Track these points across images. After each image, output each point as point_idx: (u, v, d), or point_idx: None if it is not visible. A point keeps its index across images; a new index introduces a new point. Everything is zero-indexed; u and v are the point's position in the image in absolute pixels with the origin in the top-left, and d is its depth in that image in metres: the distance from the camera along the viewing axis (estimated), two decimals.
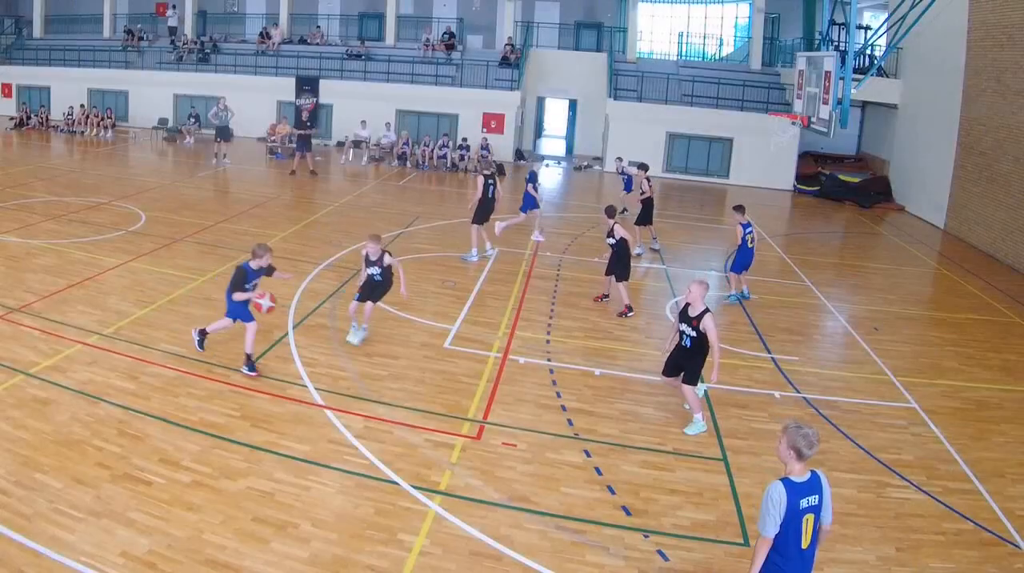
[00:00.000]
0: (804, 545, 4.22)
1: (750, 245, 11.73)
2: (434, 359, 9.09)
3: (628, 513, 6.32)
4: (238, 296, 8.15)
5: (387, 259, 9.13)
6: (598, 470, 6.92)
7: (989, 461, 7.57)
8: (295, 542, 5.62)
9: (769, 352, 10.08)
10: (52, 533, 5.41)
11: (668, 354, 7.95)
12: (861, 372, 9.68)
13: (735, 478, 6.95)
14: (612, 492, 6.59)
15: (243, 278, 8.11)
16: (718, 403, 8.45)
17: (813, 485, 4.23)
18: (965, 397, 9.18)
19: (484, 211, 13.36)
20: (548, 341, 9.90)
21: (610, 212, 11.21)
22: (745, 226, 11.68)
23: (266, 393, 7.87)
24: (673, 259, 14.62)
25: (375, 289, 9.28)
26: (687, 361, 7.63)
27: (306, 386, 8.09)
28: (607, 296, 11.49)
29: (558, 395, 8.36)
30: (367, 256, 9.13)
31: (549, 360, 9.25)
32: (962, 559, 6.00)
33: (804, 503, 4.19)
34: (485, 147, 23.61)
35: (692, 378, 7.62)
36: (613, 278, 11.09)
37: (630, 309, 10.99)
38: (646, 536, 6.03)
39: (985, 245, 17.18)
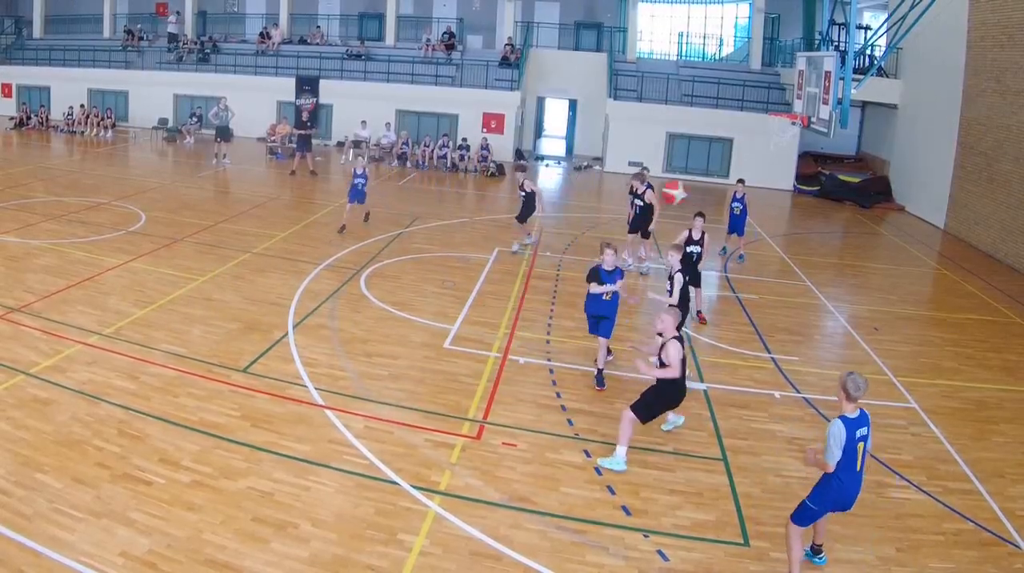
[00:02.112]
0: (858, 468, 5.31)
1: (736, 213, 14.15)
2: (434, 359, 9.08)
3: (628, 513, 6.32)
4: (592, 288, 8.48)
5: (707, 238, 10.24)
6: (598, 470, 6.92)
7: (989, 461, 7.57)
8: (295, 542, 5.62)
9: (769, 352, 10.08)
10: (52, 533, 5.41)
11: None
12: (861, 372, 9.61)
13: (735, 478, 6.95)
14: (612, 492, 6.59)
15: (596, 277, 8.46)
16: (718, 403, 8.46)
17: (863, 419, 5.32)
18: (965, 397, 9.18)
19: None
20: (548, 341, 9.90)
21: (702, 216, 10.98)
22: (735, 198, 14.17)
23: (266, 393, 7.87)
24: None
25: (694, 270, 10.03)
26: (648, 390, 7.06)
27: (306, 386, 8.09)
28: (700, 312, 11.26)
29: (558, 395, 8.36)
30: (690, 232, 10.31)
31: (549, 360, 9.25)
32: (962, 559, 6.00)
33: (858, 434, 5.25)
34: (485, 147, 23.62)
35: (640, 406, 6.94)
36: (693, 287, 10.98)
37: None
38: (646, 536, 6.04)
39: (985, 245, 17.18)
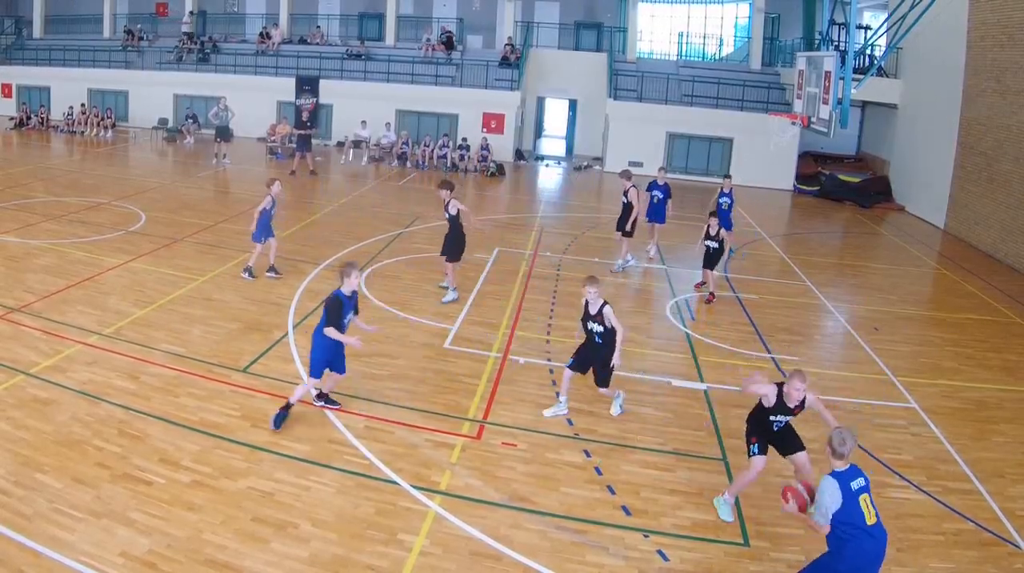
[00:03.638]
0: (868, 522, 4.67)
1: (724, 208, 13.98)
2: (434, 359, 9.09)
3: (628, 513, 6.32)
4: (333, 334, 7.01)
5: (608, 311, 7.44)
6: (598, 470, 6.92)
7: (989, 461, 7.57)
8: (295, 542, 5.62)
9: (769, 352, 10.08)
10: (52, 533, 5.41)
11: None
12: (861, 372, 9.68)
13: (735, 478, 6.94)
14: (612, 492, 6.59)
15: (340, 310, 7.06)
16: (718, 403, 8.45)
17: (856, 471, 4.80)
18: (965, 397, 9.18)
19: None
20: (548, 341, 9.90)
21: (716, 215, 11.88)
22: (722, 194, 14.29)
23: (266, 393, 7.87)
24: (674, 259, 14.63)
25: (597, 354, 7.58)
26: (788, 437, 6.42)
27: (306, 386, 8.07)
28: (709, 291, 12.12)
29: (558, 395, 8.36)
30: (586, 305, 7.52)
31: (549, 360, 9.25)
32: (962, 559, 6.00)
33: (854, 485, 4.71)
34: (485, 147, 23.61)
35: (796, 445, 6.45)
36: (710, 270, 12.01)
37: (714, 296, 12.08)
38: (646, 536, 6.04)
39: (985, 245, 17.18)
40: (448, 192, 11.05)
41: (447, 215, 11.05)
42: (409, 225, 15.68)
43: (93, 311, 9.68)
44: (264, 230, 11.44)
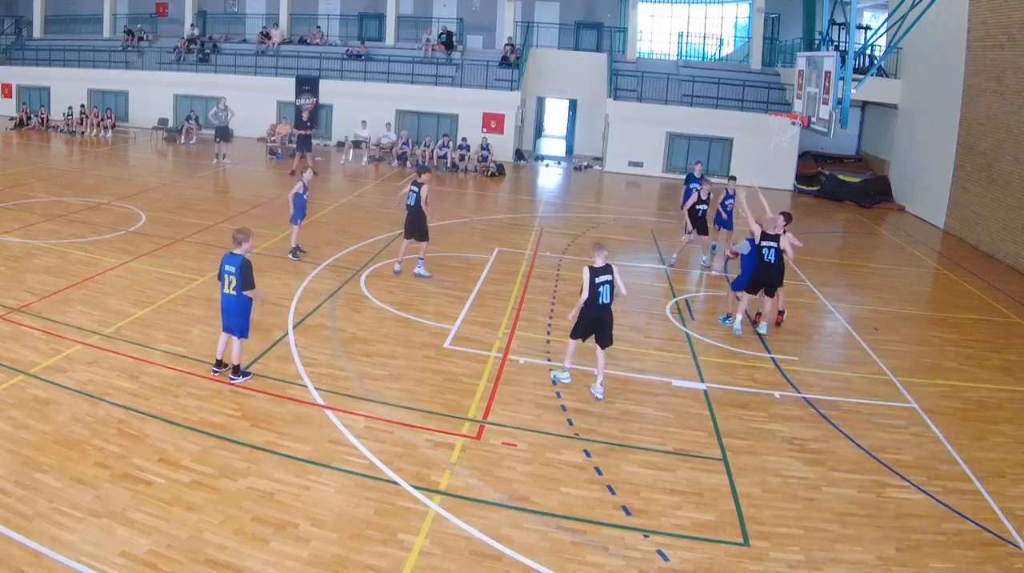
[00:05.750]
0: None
1: (729, 209, 14.15)
2: (434, 359, 9.09)
3: (628, 513, 6.32)
4: (255, 294, 7.92)
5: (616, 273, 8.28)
6: (598, 470, 6.92)
7: (989, 461, 7.57)
8: (295, 542, 5.62)
9: (769, 352, 10.08)
10: (52, 533, 5.41)
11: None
12: (861, 372, 9.68)
13: (735, 478, 6.95)
14: (612, 492, 6.59)
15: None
16: (718, 403, 8.45)
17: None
18: (965, 397, 9.18)
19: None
20: (548, 341, 9.90)
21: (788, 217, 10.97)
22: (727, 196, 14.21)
23: (266, 393, 7.87)
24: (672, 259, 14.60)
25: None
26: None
27: (306, 386, 8.09)
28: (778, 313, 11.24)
29: (558, 395, 8.36)
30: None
31: (549, 360, 9.25)
32: (962, 559, 6.00)
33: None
34: (485, 147, 23.62)
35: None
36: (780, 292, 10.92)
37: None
38: (646, 536, 6.03)
39: (985, 245, 17.18)
40: (428, 174, 12.36)
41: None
42: None
43: (93, 311, 9.68)
44: (300, 213, 12.44)
